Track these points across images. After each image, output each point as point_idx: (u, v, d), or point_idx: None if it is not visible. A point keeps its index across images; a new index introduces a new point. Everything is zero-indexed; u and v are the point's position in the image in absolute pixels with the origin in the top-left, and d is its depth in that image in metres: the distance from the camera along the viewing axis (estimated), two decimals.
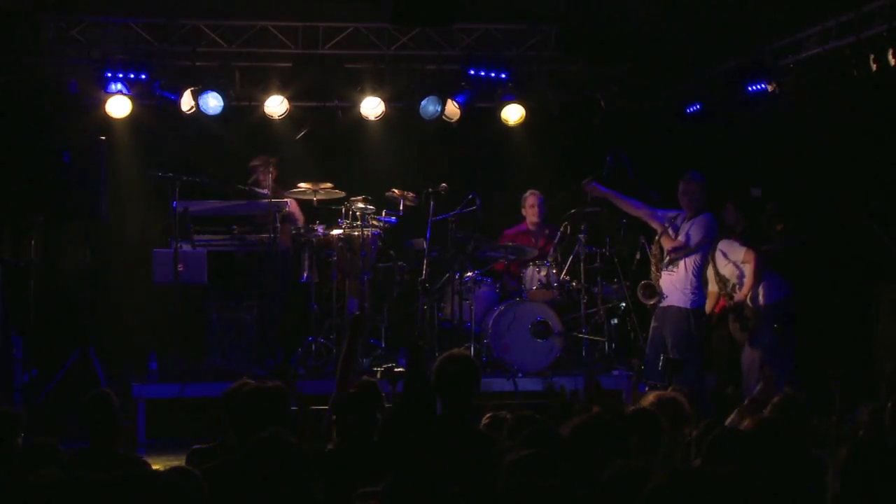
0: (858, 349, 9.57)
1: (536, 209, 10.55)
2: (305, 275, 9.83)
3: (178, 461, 6.07)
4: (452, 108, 10.70)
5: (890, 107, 9.12)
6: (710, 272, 9.36)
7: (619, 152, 9.46)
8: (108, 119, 10.16)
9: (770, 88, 9.87)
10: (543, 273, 9.94)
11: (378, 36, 10.47)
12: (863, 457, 3.54)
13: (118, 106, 10.10)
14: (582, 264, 9.90)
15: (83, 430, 5.28)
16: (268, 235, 9.70)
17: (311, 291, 9.81)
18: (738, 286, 9.33)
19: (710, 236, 8.89)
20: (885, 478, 3.47)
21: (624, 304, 9.89)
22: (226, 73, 10.40)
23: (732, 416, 6.10)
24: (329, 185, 10.02)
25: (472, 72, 10.59)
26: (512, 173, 11.41)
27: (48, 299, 10.39)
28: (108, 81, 10.06)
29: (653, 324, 8.96)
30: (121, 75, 10.04)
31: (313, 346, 9.68)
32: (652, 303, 8.99)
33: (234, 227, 9.89)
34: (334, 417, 5.31)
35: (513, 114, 10.86)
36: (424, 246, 9.90)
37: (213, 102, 10.15)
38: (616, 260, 9.95)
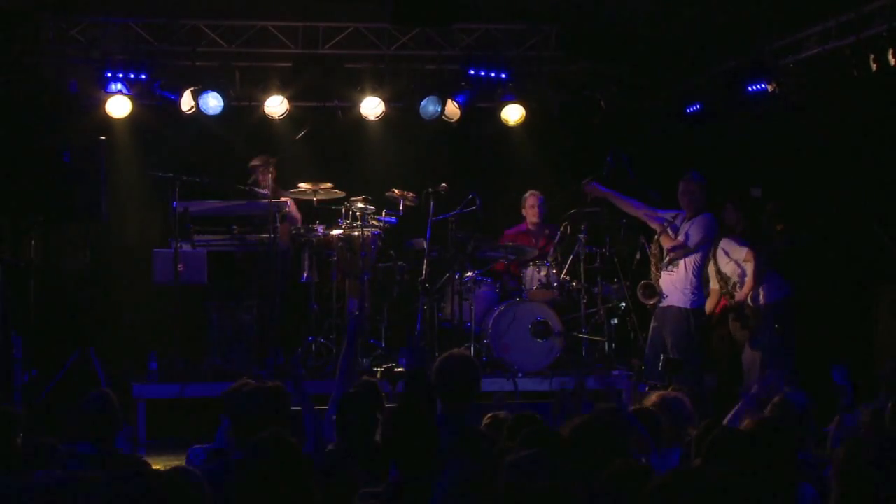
0: (858, 349, 9.57)
1: (536, 209, 10.55)
2: (305, 275, 9.83)
3: (178, 461, 6.08)
4: (452, 108, 10.70)
5: (890, 107, 9.12)
6: (711, 270, 9.36)
7: (619, 152, 9.46)
8: (108, 119, 10.16)
9: (770, 88, 9.86)
10: (543, 273, 9.94)
11: (378, 36, 10.47)
12: (860, 456, 3.54)
13: (118, 106, 10.10)
14: (582, 264, 9.91)
15: (83, 430, 5.28)
16: (268, 235, 9.70)
17: (311, 291, 9.82)
18: (739, 285, 9.33)
19: (710, 236, 8.89)
20: (882, 477, 3.48)
21: (624, 304, 9.88)
22: (226, 73, 10.40)
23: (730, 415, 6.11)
24: (329, 185, 10.02)
25: (472, 72, 10.59)
26: (512, 173, 11.41)
27: (48, 299, 10.39)
28: (108, 81, 10.06)
29: (652, 324, 8.97)
30: (121, 75, 10.04)
31: (313, 346, 9.68)
32: (652, 303, 8.99)
33: (234, 227, 9.88)
34: (335, 417, 5.31)
35: (513, 114, 10.86)
36: (424, 246, 9.90)
37: (213, 102, 10.15)
38: (616, 260, 9.95)
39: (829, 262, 10.01)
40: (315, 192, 9.96)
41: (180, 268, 9.42)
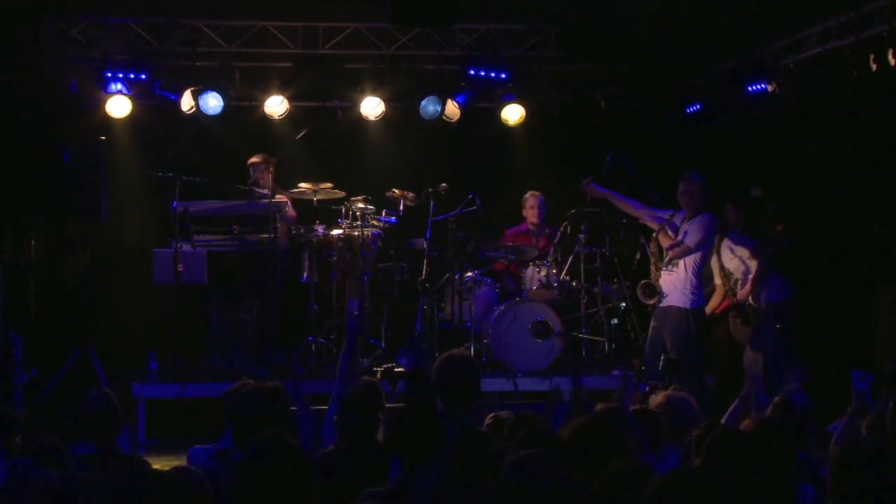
0: (858, 349, 9.57)
1: (536, 210, 10.55)
2: (305, 275, 9.83)
3: (178, 461, 6.07)
4: (452, 108, 10.70)
5: (890, 107, 9.12)
6: (714, 265, 9.35)
7: (619, 152, 9.47)
8: (108, 119, 10.16)
9: (770, 88, 9.87)
10: (543, 273, 9.93)
11: (378, 36, 10.47)
12: (854, 456, 3.55)
13: (118, 106, 10.11)
14: (582, 264, 9.91)
15: (83, 430, 5.28)
16: (268, 235, 9.70)
17: (311, 291, 9.82)
18: (741, 282, 9.33)
19: (710, 236, 8.89)
20: (876, 477, 3.48)
21: (624, 304, 9.89)
22: (226, 73, 10.40)
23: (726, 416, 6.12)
24: (329, 185, 10.02)
25: (472, 72, 10.60)
26: (512, 173, 11.41)
27: (48, 299, 10.39)
28: (108, 81, 10.06)
29: (652, 324, 8.96)
30: (121, 75, 10.04)
31: (313, 346, 9.68)
32: (652, 302, 8.99)
33: (234, 227, 9.88)
34: (336, 417, 5.31)
35: (513, 114, 10.86)
36: (424, 246, 9.91)
37: (213, 102, 10.16)
38: (616, 260, 9.95)
39: (829, 262, 10.01)
40: (315, 192, 9.96)
41: (180, 268, 9.42)
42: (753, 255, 9.30)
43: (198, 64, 10.35)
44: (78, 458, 4.96)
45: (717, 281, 9.45)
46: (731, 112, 10.65)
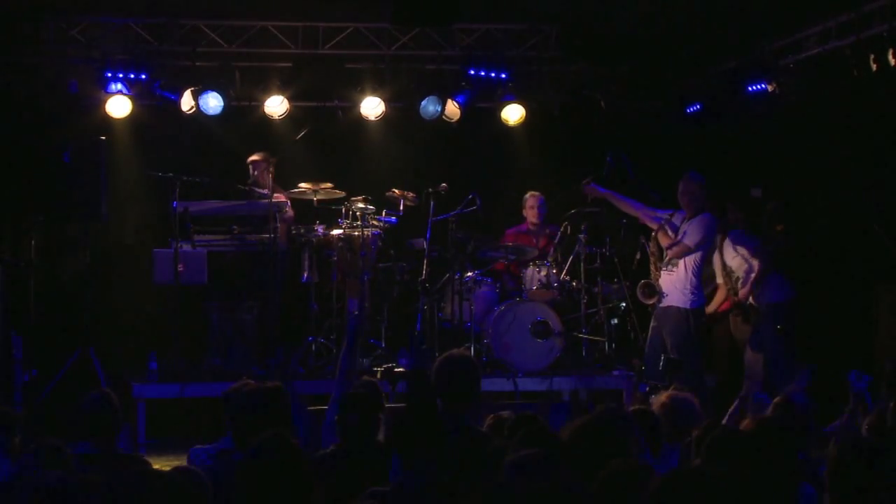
0: (858, 349, 9.57)
1: (536, 210, 10.55)
2: (305, 275, 9.83)
3: (178, 461, 6.07)
4: (452, 108, 10.70)
5: (890, 107, 9.12)
6: (716, 263, 9.34)
7: (619, 152, 9.47)
8: (108, 119, 10.16)
9: (770, 88, 9.87)
10: (543, 273, 9.93)
11: (378, 36, 10.47)
12: (852, 456, 3.55)
13: (118, 106, 10.10)
14: (582, 264, 9.91)
15: (83, 430, 5.28)
16: (268, 235, 9.70)
17: (311, 291, 9.82)
18: (742, 281, 9.33)
19: (710, 236, 8.89)
20: (873, 477, 3.48)
21: (624, 304, 9.89)
22: (226, 73, 10.40)
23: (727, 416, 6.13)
24: (329, 185, 10.02)
25: (472, 72, 10.59)
26: (512, 173, 11.41)
27: (48, 299, 10.38)
28: (108, 81, 10.06)
29: (652, 324, 8.96)
30: (121, 75, 10.03)
31: (313, 346, 9.69)
32: (651, 302, 8.99)
33: (234, 227, 9.88)
34: (336, 417, 5.32)
35: (513, 114, 10.86)
36: (424, 246, 9.90)
37: (213, 102, 10.15)
38: (616, 260, 9.95)
39: (829, 262, 10.01)
40: (315, 192, 9.96)
41: (180, 268, 9.42)
42: (754, 254, 9.31)
43: (198, 64, 10.35)
44: (78, 457, 4.96)
45: (720, 280, 9.45)
46: (731, 112, 10.65)
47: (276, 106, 10.43)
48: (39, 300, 10.07)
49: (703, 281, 8.99)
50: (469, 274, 9.96)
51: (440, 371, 5.21)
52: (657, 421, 5.20)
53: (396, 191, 10.01)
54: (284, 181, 10.12)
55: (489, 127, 11.11)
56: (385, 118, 10.67)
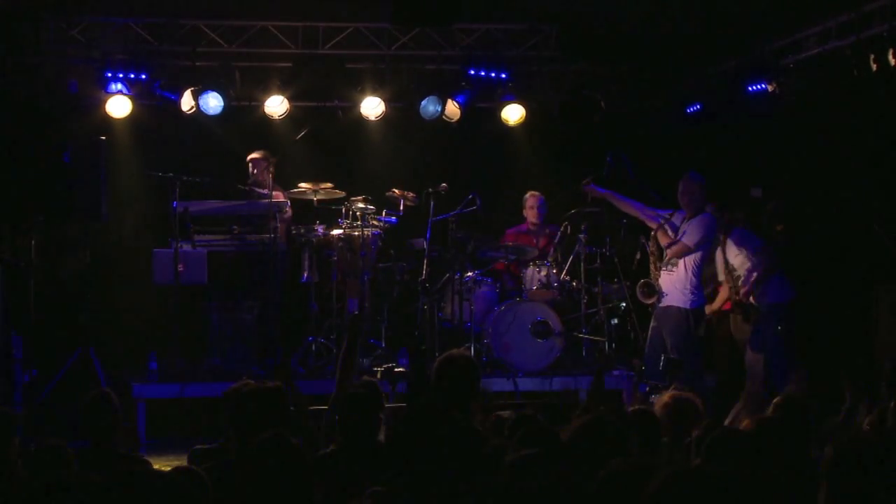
0: (858, 349, 9.57)
1: (536, 210, 10.56)
2: (305, 275, 9.84)
3: (178, 461, 6.08)
4: (452, 108, 10.70)
5: (890, 107, 9.12)
6: (718, 261, 9.33)
7: (619, 152, 9.46)
8: (108, 119, 10.16)
9: (770, 88, 9.87)
10: (543, 273, 9.94)
11: (378, 36, 10.47)
12: (847, 456, 3.55)
13: (118, 106, 10.10)
14: (582, 264, 9.91)
15: (83, 430, 5.28)
16: (268, 235, 9.70)
17: (311, 291, 9.82)
18: (743, 279, 9.32)
19: (710, 236, 8.87)
20: (868, 477, 3.48)
21: (624, 304, 9.89)
22: (226, 73, 10.40)
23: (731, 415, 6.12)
24: (329, 185, 10.02)
25: (472, 72, 10.59)
26: (512, 173, 11.41)
27: (48, 299, 10.38)
28: (108, 81, 10.06)
29: (652, 324, 8.95)
30: (121, 75, 10.03)
31: (313, 346, 9.69)
32: (650, 302, 8.98)
33: (234, 227, 9.89)
34: (336, 417, 5.31)
35: (513, 114, 10.86)
36: (424, 246, 9.90)
37: (213, 102, 10.15)
38: (616, 260, 9.95)
39: (829, 262, 10.00)
40: (315, 192, 9.96)
41: (180, 268, 9.42)
42: (755, 253, 9.29)
43: (198, 64, 10.35)
44: (78, 457, 4.96)
45: (722, 278, 9.44)
46: (731, 112, 10.64)
47: (276, 106, 10.43)
48: (39, 300, 10.06)
49: (703, 281, 8.98)
50: (469, 274, 9.96)
51: (440, 371, 5.21)
52: (657, 421, 5.20)
53: (396, 191, 10.02)
54: (284, 181, 10.13)
55: (489, 127, 11.11)
56: (385, 118, 10.67)
